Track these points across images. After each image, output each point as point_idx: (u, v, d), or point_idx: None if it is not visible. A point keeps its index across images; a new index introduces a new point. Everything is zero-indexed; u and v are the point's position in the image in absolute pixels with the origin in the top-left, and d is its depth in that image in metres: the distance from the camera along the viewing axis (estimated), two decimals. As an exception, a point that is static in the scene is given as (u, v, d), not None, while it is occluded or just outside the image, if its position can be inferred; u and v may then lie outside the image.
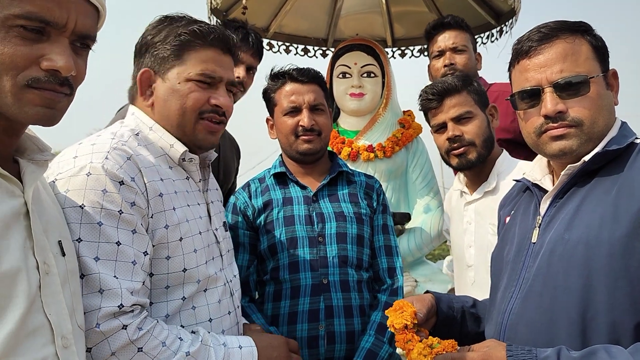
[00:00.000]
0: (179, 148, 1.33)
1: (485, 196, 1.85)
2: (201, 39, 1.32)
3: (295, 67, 1.85)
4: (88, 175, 1.12)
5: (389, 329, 1.26)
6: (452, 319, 1.43)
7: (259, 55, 2.36)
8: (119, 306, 1.08)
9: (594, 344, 1.04)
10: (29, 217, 0.89)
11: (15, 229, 0.86)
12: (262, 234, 1.79)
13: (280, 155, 1.95)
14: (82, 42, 0.94)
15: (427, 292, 1.50)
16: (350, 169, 1.95)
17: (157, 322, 1.16)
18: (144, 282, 1.17)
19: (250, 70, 2.30)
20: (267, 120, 1.93)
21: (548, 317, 1.13)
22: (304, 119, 1.79)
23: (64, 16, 0.87)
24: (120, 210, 1.14)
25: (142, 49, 1.36)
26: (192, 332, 1.24)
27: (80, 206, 1.10)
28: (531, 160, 1.44)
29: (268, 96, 1.89)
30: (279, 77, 1.86)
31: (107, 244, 1.11)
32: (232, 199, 1.90)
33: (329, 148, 3.29)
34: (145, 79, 1.35)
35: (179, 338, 1.17)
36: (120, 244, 1.12)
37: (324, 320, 1.69)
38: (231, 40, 1.38)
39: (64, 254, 0.98)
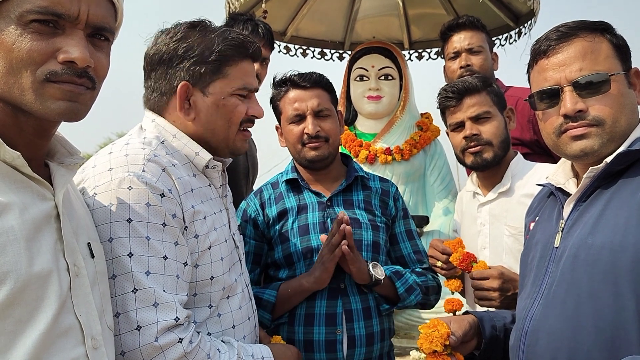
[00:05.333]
0: (205, 156, 1.33)
1: (499, 197, 1.84)
2: (239, 52, 1.34)
3: (297, 73, 1.81)
4: (130, 189, 1.13)
5: (419, 350, 1.26)
6: (497, 339, 1.40)
7: (270, 45, 2.38)
8: (175, 319, 1.10)
9: (623, 354, 1.00)
10: (60, 219, 0.91)
11: (47, 231, 0.88)
12: (276, 244, 1.77)
13: (293, 159, 1.94)
14: (100, 35, 0.94)
15: (466, 312, 1.47)
16: (366, 173, 1.92)
17: (200, 334, 1.18)
18: (187, 294, 1.19)
19: (264, 61, 2.32)
20: (277, 128, 1.91)
21: (572, 325, 1.09)
22: (309, 126, 1.75)
23: (74, 8, 0.88)
24: (164, 222, 1.15)
25: (172, 60, 1.30)
26: (223, 341, 1.25)
27: (127, 220, 1.11)
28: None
29: (274, 104, 1.87)
30: (281, 85, 1.83)
31: (155, 258, 1.12)
32: (243, 204, 1.88)
33: (346, 151, 3.30)
34: (183, 93, 1.31)
35: (218, 350, 1.19)
36: (167, 258, 1.14)
37: (345, 324, 1.68)
38: (260, 50, 1.42)
39: (93, 256, 0.99)
